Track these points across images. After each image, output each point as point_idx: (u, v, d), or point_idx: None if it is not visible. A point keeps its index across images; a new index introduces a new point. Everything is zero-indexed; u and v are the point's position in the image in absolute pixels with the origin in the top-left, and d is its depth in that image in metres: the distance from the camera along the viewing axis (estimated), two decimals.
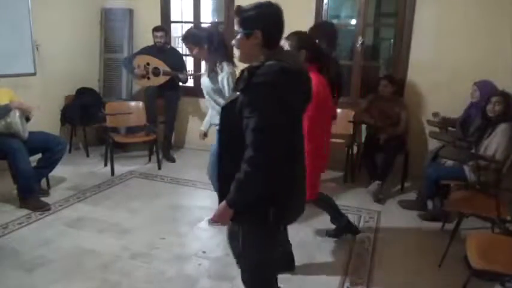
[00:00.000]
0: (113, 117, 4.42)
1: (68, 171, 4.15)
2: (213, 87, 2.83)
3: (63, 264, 2.56)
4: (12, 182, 3.43)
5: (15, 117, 3.26)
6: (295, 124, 1.57)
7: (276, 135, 1.44)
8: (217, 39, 2.84)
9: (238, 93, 1.53)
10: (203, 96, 3.01)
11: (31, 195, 3.33)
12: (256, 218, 1.58)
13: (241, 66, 1.64)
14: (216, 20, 6.01)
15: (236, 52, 1.62)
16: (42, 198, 3.42)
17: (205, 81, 2.89)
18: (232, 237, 1.82)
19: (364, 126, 4.28)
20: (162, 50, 4.61)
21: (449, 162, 3.29)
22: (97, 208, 3.42)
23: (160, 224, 3.16)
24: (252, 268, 1.74)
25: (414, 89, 4.22)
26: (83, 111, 4.74)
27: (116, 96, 5.15)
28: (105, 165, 4.39)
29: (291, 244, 2.55)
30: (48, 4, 4.53)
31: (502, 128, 2.98)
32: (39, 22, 4.36)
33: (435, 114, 3.85)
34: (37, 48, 4.39)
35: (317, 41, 2.94)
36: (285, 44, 2.31)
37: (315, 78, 2.20)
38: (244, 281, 1.77)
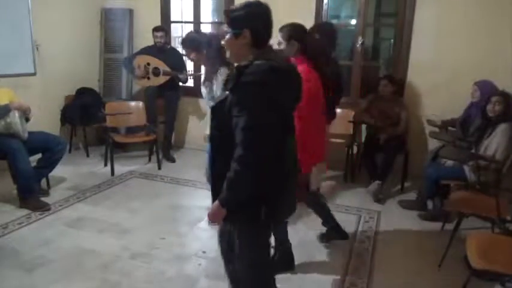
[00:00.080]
0: (113, 117, 4.42)
1: (68, 171, 4.15)
2: (208, 95, 2.86)
3: (63, 264, 2.56)
4: (12, 182, 3.43)
5: (14, 117, 3.26)
6: (285, 123, 1.58)
7: (265, 134, 1.45)
8: (216, 44, 2.84)
9: (227, 92, 1.54)
10: (203, 97, 3.02)
11: (31, 195, 3.33)
12: (248, 217, 1.59)
13: None
14: (216, 20, 6.00)
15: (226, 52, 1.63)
16: (42, 198, 3.42)
17: (202, 88, 2.94)
18: (222, 237, 1.82)
19: (364, 126, 4.28)
20: (162, 50, 4.61)
21: (449, 162, 3.29)
22: (97, 208, 3.42)
23: (160, 224, 3.16)
24: (247, 268, 1.74)
25: (414, 89, 4.22)
26: (83, 111, 4.74)
27: (116, 96, 5.15)
28: (105, 165, 4.39)
29: (290, 244, 2.55)
30: (48, 4, 4.53)
31: (502, 128, 2.98)
32: (39, 22, 4.36)
33: (431, 121, 3.86)
34: (37, 48, 4.39)
35: (317, 36, 2.98)
36: (277, 37, 2.30)
37: (305, 70, 2.20)
38: (241, 281, 1.78)
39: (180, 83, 4.68)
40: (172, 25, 5.35)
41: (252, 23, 1.54)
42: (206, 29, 5.67)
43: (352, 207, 3.57)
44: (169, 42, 4.91)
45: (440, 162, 3.40)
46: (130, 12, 5.19)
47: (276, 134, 1.50)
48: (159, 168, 4.43)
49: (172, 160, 4.71)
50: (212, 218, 1.59)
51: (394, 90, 4.01)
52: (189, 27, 5.18)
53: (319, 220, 3.30)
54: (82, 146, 4.94)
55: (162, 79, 4.52)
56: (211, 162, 1.65)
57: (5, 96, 3.35)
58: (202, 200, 3.64)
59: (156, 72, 4.51)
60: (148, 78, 4.54)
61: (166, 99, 4.69)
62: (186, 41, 2.97)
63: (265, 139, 1.46)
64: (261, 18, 1.56)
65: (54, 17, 4.63)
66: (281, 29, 2.33)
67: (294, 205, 1.76)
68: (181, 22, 5.58)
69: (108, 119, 4.39)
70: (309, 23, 4.24)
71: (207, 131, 3.18)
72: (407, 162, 3.94)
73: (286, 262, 2.54)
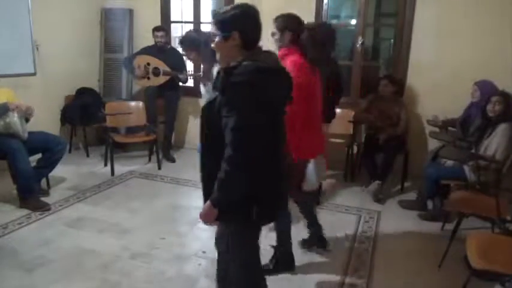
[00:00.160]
0: (113, 117, 4.42)
1: (68, 171, 4.15)
2: (207, 94, 2.87)
3: (63, 264, 2.56)
4: (12, 182, 3.43)
5: (14, 117, 3.26)
6: (274, 123, 1.58)
7: (254, 134, 1.46)
8: None
9: (217, 93, 1.55)
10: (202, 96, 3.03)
11: (31, 195, 3.33)
12: (240, 217, 1.60)
13: None
14: None
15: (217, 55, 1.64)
16: (42, 198, 3.42)
17: (201, 87, 2.94)
18: (221, 239, 1.82)
19: (364, 126, 4.28)
20: (163, 50, 4.61)
21: (449, 162, 3.29)
22: (97, 208, 3.42)
23: (160, 224, 3.16)
24: (238, 268, 1.74)
25: (414, 89, 4.22)
26: (83, 111, 4.74)
27: (116, 96, 5.15)
28: (105, 165, 4.39)
29: (291, 244, 2.55)
30: (48, 4, 4.53)
31: (502, 128, 2.98)
32: (39, 22, 4.36)
33: (433, 120, 3.86)
34: (37, 48, 4.39)
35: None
36: (272, 28, 2.30)
37: (297, 60, 2.19)
38: (233, 282, 1.78)
39: (180, 83, 4.68)
40: (172, 25, 5.35)
41: (240, 25, 1.55)
42: (206, 28, 5.66)
43: (352, 207, 3.57)
44: (169, 42, 4.91)
45: (440, 162, 3.40)
46: (130, 12, 5.19)
47: (265, 134, 1.51)
48: (159, 168, 4.44)
49: (172, 160, 4.71)
50: (204, 219, 1.60)
51: (394, 90, 4.01)
52: (189, 27, 5.18)
53: (319, 219, 3.30)
54: (82, 146, 4.94)
55: (162, 79, 4.52)
56: (202, 162, 1.66)
57: (5, 96, 3.35)
58: (202, 200, 3.63)
59: (156, 72, 4.51)
60: (148, 78, 4.54)
61: (166, 99, 4.69)
62: (185, 41, 2.97)
63: (255, 139, 1.47)
64: (250, 20, 1.57)
65: (54, 17, 4.63)
66: (275, 19, 2.30)
67: (286, 204, 1.77)
68: (181, 22, 5.58)
69: (108, 119, 4.39)
70: None
71: None
72: (407, 162, 3.94)
73: (286, 263, 2.54)
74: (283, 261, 2.52)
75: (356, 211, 3.51)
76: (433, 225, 3.22)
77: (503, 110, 3.02)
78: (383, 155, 3.83)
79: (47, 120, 4.43)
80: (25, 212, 3.25)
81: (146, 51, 4.63)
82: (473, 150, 3.10)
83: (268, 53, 1.67)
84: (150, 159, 4.71)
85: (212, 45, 1.62)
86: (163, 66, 4.50)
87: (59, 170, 3.77)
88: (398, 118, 3.93)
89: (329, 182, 4.08)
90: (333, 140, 4.29)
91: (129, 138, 4.72)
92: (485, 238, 2.25)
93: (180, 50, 4.32)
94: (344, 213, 3.47)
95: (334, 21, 5.41)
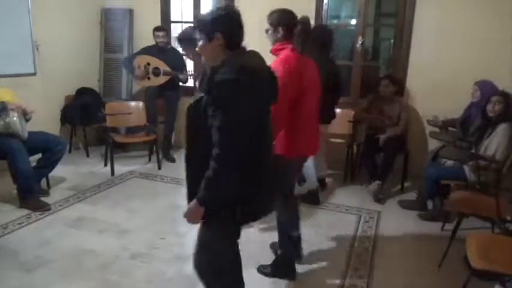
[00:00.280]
0: (113, 117, 4.42)
1: (68, 171, 4.15)
2: None
3: (63, 264, 2.56)
4: (12, 182, 3.43)
5: (14, 117, 3.26)
6: (260, 121, 1.60)
7: (240, 132, 1.47)
8: None
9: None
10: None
11: (31, 195, 3.33)
12: (225, 216, 1.60)
13: None
14: None
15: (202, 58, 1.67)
16: (42, 198, 3.42)
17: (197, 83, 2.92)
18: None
19: (364, 126, 4.28)
20: (163, 50, 4.61)
21: (449, 162, 3.29)
22: (97, 208, 3.42)
23: (160, 224, 3.16)
24: (208, 265, 1.77)
25: (414, 89, 4.22)
26: (83, 111, 4.74)
27: (116, 96, 5.15)
28: (105, 165, 4.39)
29: (295, 252, 2.53)
30: (48, 4, 4.53)
31: (502, 127, 2.98)
32: (39, 22, 4.36)
33: (433, 120, 3.86)
34: (37, 48, 4.39)
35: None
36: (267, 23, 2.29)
37: (289, 54, 2.17)
38: (204, 275, 1.80)
39: (180, 83, 4.68)
40: (172, 25, 5.35)
41: (223, 26, 1.58)
42: None
43: (352, 207, 3.57)
44: (170, 42, 4.91)
45: (440, 162, 3.40)
46: (130, 12, 5.19)
47: (251, 132, 1.52)
48: (159, 168, 4.44)
49: (172, 160, 4.71)
50: (189, 218, 1.61)
51: (395, 90, 4.02)
52: None
53: (319, 220, 3.31)
54: (82, 146, 4.94)
55: (162, 79, 4.52)
56: (186, 161, 1.66)
57: (5, 96, 3.35)
58: None
59: (157, 72, 4.51)
60: (149, 78, 4.54)
61: (167, 99, 4.69)
62: (183, 38, 2.95)
63: (241, 138, 1.48)
64: (231, 20, 1.60)
65: (54, 17, 4.64)
66: (269, 15, 2.29)
67: (271, 203, 1.77)
68: (181, 22, 5.58)
69: (108, 119, 4.39)
70: None
71: None
72: (407, 162, 3.94)
73: (285, 271, 2.48)
74: (282, 268, 2.49)
75: (356, 211, 3.51)
76: (433, 225, 3.22)
77: (503, 110, 3.02)
78: (383, 155, 3.83)
79: (47, 120, 4.43)
80: (25, 212, 3.25)
81: (146, 51, 4.63)
82: (473, 150, 3.10)
83: (253, 52, 1.69)
84: (150, 159, 4.71)
85: (196, 49, 1.64)
86: (163, 66, 4.50)
87: (59, 170, 3.77)
88: (398, 118, 3.93)
89: (329, 181, 4.09)
90: (333, 140, 4.29)
91: (129, 138, 4.72)
92: (485, 238, 2.25)
93: (179, 49, 4.32)
94: (344, 213, 3.47)
95: (334, 21, 5.41)
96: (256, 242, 2.82)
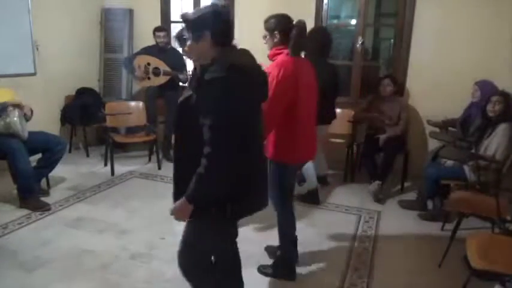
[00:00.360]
0: (113, 117, 4.42)
1: (68, 171, 4.15)
2: None
3: (63, 264, 2.56)
4: (12, 182, 3.43)
5: (14, 117, 3.26)
6: (251, 119, 1.59)
7: (232, 131, 1.47)
8: None
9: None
10: None
11: (31, 195, 3.33)
12: (215, 214, 1.60)
13: None
14: None
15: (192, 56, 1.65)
16: (42, 198, 3.42)
17: None
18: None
19: (364, 126, 4.28)
20: (163, 50, 4.61)
21: (449, 162, 3.29)
22: (97, 208, 3.42)
23: (160, 224, 3.16)
24: (191, 263, 1.76)
25: (414, 89, 4.22)
26: (83, 111, 4.75)
27: (116, 96, 5.15)
28: (105, 165, 4.39)
29: (295, 254, 2.53)
30: (48, 4, 4.53)
31: (502, 127, 2.98)
32: (39, 22, 4.36)
33: (432, 121, 3.88)
34: (37, 48, 4.39)
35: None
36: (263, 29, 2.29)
37: (285, 59, 2.18)
38: (189, 274, 1.79)
39: (181, 83, 4.68)
40: (172, 25, 5.35)
41: (210, 24, 1.56)
42: None
43: (352, 207, 3.57)
44: (170, 42, 4.91)
45: (440, 162, 3.40)
46: (131, 12, 5.19)
47: (242, 130, 1.51)
48: (159, 168, 4.43)
49: (172, 160, 4.70)
50: (177, 215, 1.60)
51: (395, 90, 4.02)
52: None
53: (319, 220, 3.31)
54: (82, 146, 4.94)
55: (162, 79, 4.52)
56: (174, 161, 1.66)
57: (5, 96, 3.35)
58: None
59: (157, 72, 4.51)
60: (149, 78, 4.54)
61: (167, 99, 4.69)
62: (181, 36, 2.95)
63: (232, 136, 1.47)
64: (219, 18, 1.58)
65: (54, 17, 4.64)
66: (265, 21, 2.30)
67: (262, 201, 1.77)
68: (181, 22, 5.59)
69: (108, 119, 4.39)
70: (308, 23, 4.26)
71: None
72: (407, 162, 3.94)
73: (284, 271, 2.48)
74: (283, 270, 2.48)
75: (356, 211, 3.51)
76: (433, 225, 3.22)
77: (503, 110, 3.02)
78: (383, 155, 3.83)
79: (47, 120, 4.43)
80: (25, 212, 3.25)
81: (146, 51, 4.63)
82: (473, 150, 3.10)
83: (243, 50, 1.68)
84: (150, 159, 4.71)
85: (185, 48, 1.63)
86: (163, 66, 4.50)
87: (59, 170, 3.77)
88: (398, 118, 3.93)
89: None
90: (333, 140, 4.29)
91: (129, 138, 4.72)
92: (485, 238, 2.25)
93: (179, 48, 4.31)
94: (344, 213, 3.47)
95: (334, 21, 5.41)
96: (256, 242, 2.82)
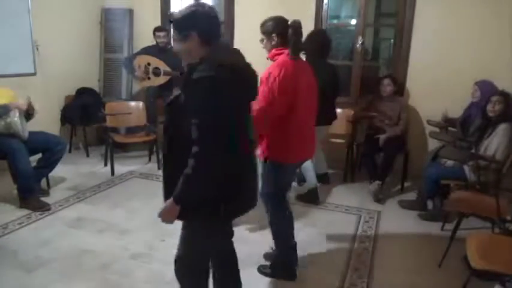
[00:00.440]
0: (113, 117, 4.42)
1: (68, 171, 4.15)
2: None
3: (63, 264, 2.56)
4: (12, 182, 3.43)
5: (14, 117, 3.26)
6: (239, 118, 1.58)
7: (219, 130, 1.46)
8: None
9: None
10: None
11: (31, 195, 3.33)
12: (204, 215, 1.59)
13: None
14: None
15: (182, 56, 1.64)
16: (42, 198, 3.42)
17: None
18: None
19: (364, 126, 4.29)
20: (163, 50, 4.61)
21: (449, 162, 3.29)
22: (97, 208, 3.42)
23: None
24: (187, 263, 1.76)
25: (414, 89, 4.22)
26: (83, 111, 4.74)
27: (116, 96, 5.15)
28: (105, 165, 4.39)
29: (291, 254, 2.52)
30: (48, 4, 4.53)
31: (502, 127, 2.98)
32: (39, 22, 4.36)
33: (431, 121, 3.89)
34: (37, 48, 4.39)
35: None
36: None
37: (284, 59, 2.20)
38: (182, 281, 1.79)
39: None
40: None
41: (197, 23, 1.55)
42: None
43: (352, 207, 3.57)
44: (170, 42, 4.91)
45: (440, 162, 3.41)
46: (130, 12, 5.19)
47: (231, 130, 1.50)
48: (159, 168, 4.43)
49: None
50: (164, 217, 1.59)
51: (395, 90, 4.02)
52: None
53: (319, 220, 3.31)
54: (82, 146, 4.94)
55: (162, 79, 4.52)
56: (164, 162, 1.65)
57: (5, 96, 3.35)
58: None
59: (157, 72, 4.51)
60: (149, 78, 4.54)
61: (167, 99, 4.68)
62: None
63: (220, 135, 1.46)
64: (206, 17, 1.58)
65: (54, 17, 4.64)
66: (262, 25, 2.31)
67: (253, 199, 1.76)
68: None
69: (108, 119, 4.39)
70: (309, 23, 4.28)
71: None
72: (407, 162, 3.94)
73: (282, 272, 2.48)
74: (281, 270, 2.48)
75: (356, 211, 3.51)
76: (433, 225, 3.22)
77: (503, 110, 3.02)
78: (383, 155, 3.83)
79: (47, 120, 4.43)
80: (25, 212, 3.25)
81: (146, 51, 4.63)
82: (473, 150, 3.10)
83: (233, 49, 1.67)
84: (150, 159, 4.71)
85: (174, 48, 1.64)
86: (163, 66, 4.50)
87: (59, 170, 3.77)
88: (398, 118, 3.93)
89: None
90: (333, 140, 4.29)
91: (129, 138, 4.71)
92: (485, 238, 2.25)
93: None
94: (344, 213, 3.47)
95: (334, 21, 5.41)
96: (255, 241, 2.82)
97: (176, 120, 1.55)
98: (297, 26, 2.22)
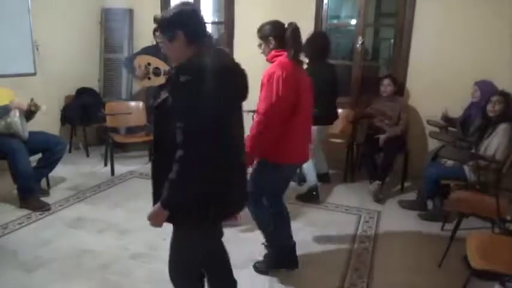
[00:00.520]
0: (113, 117, 4.42)
1: (68, 171, 4.15)
2: None
3: (63, 264, 2.56)
4: (12, 182, 3.43)
5: (15, 117, 3.26)
6: (225, 120, 1.55)
7: (204, 133, 1.44)
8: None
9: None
10: None
11: (31, 195, 3.33)
12: (194, 218, 1.59)
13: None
14: (217, 20, 6.00)
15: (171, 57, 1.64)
16: (42, 198, 3.42)
17: None
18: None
19: (364, 126, 4.29)
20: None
21: (449, 162, 3.29)
22: (97, 208, 3.42)
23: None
24: (179, 265, 1.78)
25: (414, 89, 4.22)
26: (83, 111, 4.75)
27: (116, 96, 5.15)
28: (105, 165, 4.39)
29: (294, 242, 2.53)
30: (48, 4, 4.53)
31: (502, 127, 2.98)
32: (39, 22, 4.36)
33: (431, 121, 3.89)
34: (37, 48, 4.39)
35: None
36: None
37: (282, 61, 2.21)
38: (175, 282, 1.82)
39: None
40: None
41: (182, 23, 1.55)
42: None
43: (352, 207, 3.57)
44: None
45: (440, 162, 3.41)
46: (130, 12, 5.19)
47: (216, 132, 1.48)
48: None
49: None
50: (152, 221, 1.59)
51: (395, 90, 4.02)
52: None
53: (319, 220, 3.31)
54: (82, 146, 4.94)
55: (162, 79, 4.51)
56: (152, 162, 1.64)
57: (5, 96, 3.35)
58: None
59: (157, 72, 4.51)
60: (149, 78, 4.53)
61: (154, 102, 4.67)
62: None
63: (205, 138, 1.45)
64: (191, 16, 1.57)
65: (54, 17, 4.64)
66: (259, 30, 2.33)
67: (242, 201, 1.76)
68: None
69: (108, 119, 4.39)
70: (309, 23, 4.28)
71: None
72: (407, 162, 3.95)
73: (289, 261, 2.52)
74: (287, 260, 2.50)
75: (356, 211, 3.51)
76: (433, 225, 3.22)
77: (503, 110, 3.02)
78: (383, 155, 3.83)
79: (47, 120, 4.42)
80: (25, 212, 3.25)
81: (146, 51, 4.63)
82: (473, 150, 3.10)
83: (220, 50, 1.65)
84: (150, 159, 4.70)
85: (162, 49, 1.64)
86: (164, 66, 4.50)
87: (59, 170, 3.77)
88: (398, 118, 3.93)
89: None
90: (333, 140, 4.29)
91: (129, 138, 4.72)
92: (485, 238, 2.25)
93: None
94: (344, 213, 3.47)
95: (334, 21, 5.41)
96: (253, 241, 2.82)
97: (163, 123, 1.54)
98: (294, 28, 2.25)
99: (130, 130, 4.79)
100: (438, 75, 4.07)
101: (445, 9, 3.98)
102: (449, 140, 3.46)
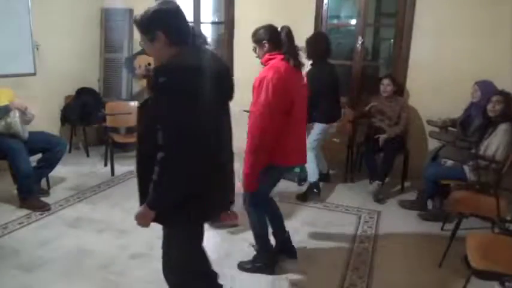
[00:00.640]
0: (113, 117, 4.43)
1: (68, 171, 4.15)
2: None
3: (63, 265, 2.56)
4: (12, 182, 3.43)
5: (15, 117, 3.26)
6: (209, 121, 1.53)
7: (183, 134, 1.43)
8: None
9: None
10: None
11: (31, 195, 3.33)
12: (178, 218, 1.59)
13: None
14: (217, 20, 6.00)
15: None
16: (42, 198, 3.42)
17: None
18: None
19: (364, 126, 4.28)
20: None
21: (449, 162, 3.29)
22: (97, 208, 3.42)
23: (160, 224, 3.15)
24: (176, 268, 1.78)
25: (414, 89, 4.22)
26: (83, 111, 4.75)
27: (116, 96, 5.15)
28: (105, 165, 4.39)
29: (287, 232, 2.55)
30: (48, 4, 4.53)
31: (502, 128, 2.98)
32: (39, 22, 4.36)
33: (431, 121, 3.89)
34: (37, 48, 4.39)
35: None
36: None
37: (278, 63, 2.23)
38: (168, 279, 1.82)
39: None
40: None
41: (162, 23, 1.51)
42: (206, 29, 5.67)
43: (352, 207, 3.57)
44: None
45: (440, 162, 3.41)
46: (131, 12, 5.18)
47: (198, 133, 1.47)
48: None
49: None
50: (139, 221, 1.61)
51: (395, 90, 4.02)
52: None
53: (319, 220, 3.31)
54: (82, 146, 4.94)
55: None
56: (137, 163, 1.65)
57: (5, 96, 3.35)
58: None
59: None
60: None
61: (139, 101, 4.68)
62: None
63: (185, 140, 1.43)
64: (171, 15, 1.53)
65: (54, 17, 4.63)
66: (253, 34, 2.35)
67: (226, 202, 1.77)
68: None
69: (108, 119, 4.39)
70: (309, 23, 4.28)
71: None
72: (407, 162, 3.94)
73: (287, 251, 2.56)
74: (284, 250, 2.54)
75: (356, 211, 3.51)
76: (433, 225, 3.22)
77: (504, 110, 3.02)
78: (383, 155, 3.83)
79: (47, 120, 4.43)
80: (25, 212, 3.25)
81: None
82: (473, 150, 3.10)
83: (204, 49, 1.62)
84: None
85: (145, 51, 1.63)
86: None
87: (59, 170, 3.77)
88: (398, 118, 3.92)
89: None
90: (333, 140, 4.29)
91: (129, 138, 4.70)
92: (485, 238, 2.25)
93: None
94: (344, 213, 3.47)
95: (334, 21, 5.41)
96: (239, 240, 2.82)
97: (146, 123, 1.53)
98: (288, 31, 2.29)
99: (130, 130, 4.78)
100: (438, 75, 4.07)
101: (445, 9, 3.97)
102: (449, 140, 3.46)
